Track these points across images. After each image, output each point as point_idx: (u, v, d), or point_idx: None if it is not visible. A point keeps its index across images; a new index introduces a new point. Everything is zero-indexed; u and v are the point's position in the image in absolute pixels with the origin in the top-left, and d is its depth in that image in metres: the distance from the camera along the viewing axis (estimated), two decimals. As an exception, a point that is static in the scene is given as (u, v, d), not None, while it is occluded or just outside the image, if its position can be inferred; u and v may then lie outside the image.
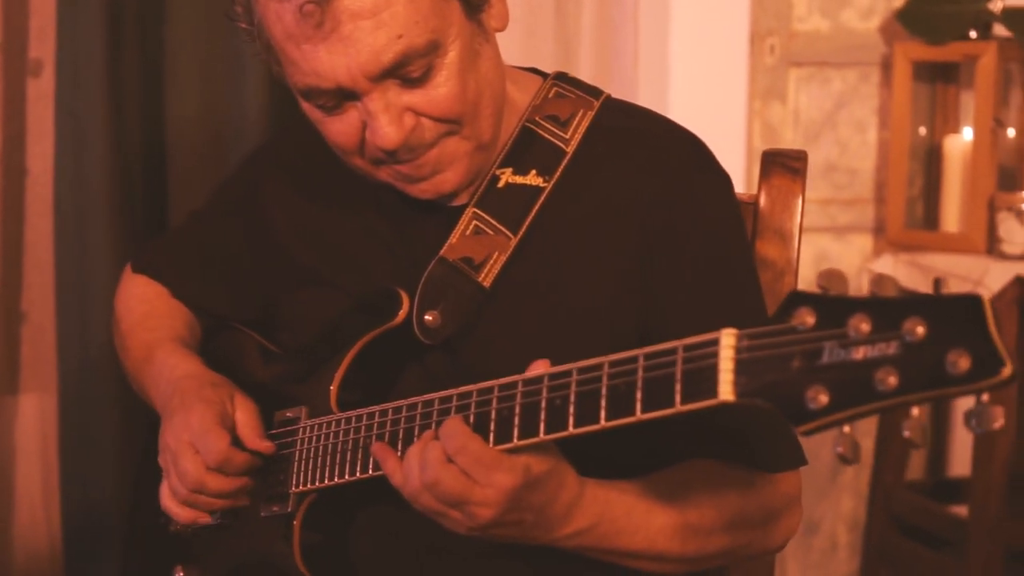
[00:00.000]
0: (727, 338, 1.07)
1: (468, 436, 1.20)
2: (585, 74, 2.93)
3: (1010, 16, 2.94)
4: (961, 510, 2.92)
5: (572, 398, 1.17)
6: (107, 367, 2.38)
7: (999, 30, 2.96)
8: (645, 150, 1.47)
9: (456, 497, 1.20)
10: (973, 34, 2.97)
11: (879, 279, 1.03)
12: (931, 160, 3.10)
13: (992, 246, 2.87)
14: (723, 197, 1.48)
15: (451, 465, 1.20)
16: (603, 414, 1.15)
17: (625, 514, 1.30)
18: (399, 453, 1.29)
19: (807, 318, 1.03)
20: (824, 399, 1.00)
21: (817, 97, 3.08)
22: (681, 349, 1.11)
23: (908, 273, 2.97)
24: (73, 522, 2.52)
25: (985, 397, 0.97)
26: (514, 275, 1.43)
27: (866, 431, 3.12)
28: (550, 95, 1.51)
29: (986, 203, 2.90)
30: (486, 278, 1.42)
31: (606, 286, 1.43)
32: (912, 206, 3.10)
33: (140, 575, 1.59)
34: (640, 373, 1.13)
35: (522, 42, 2.87)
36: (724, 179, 1.49)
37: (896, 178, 3.04)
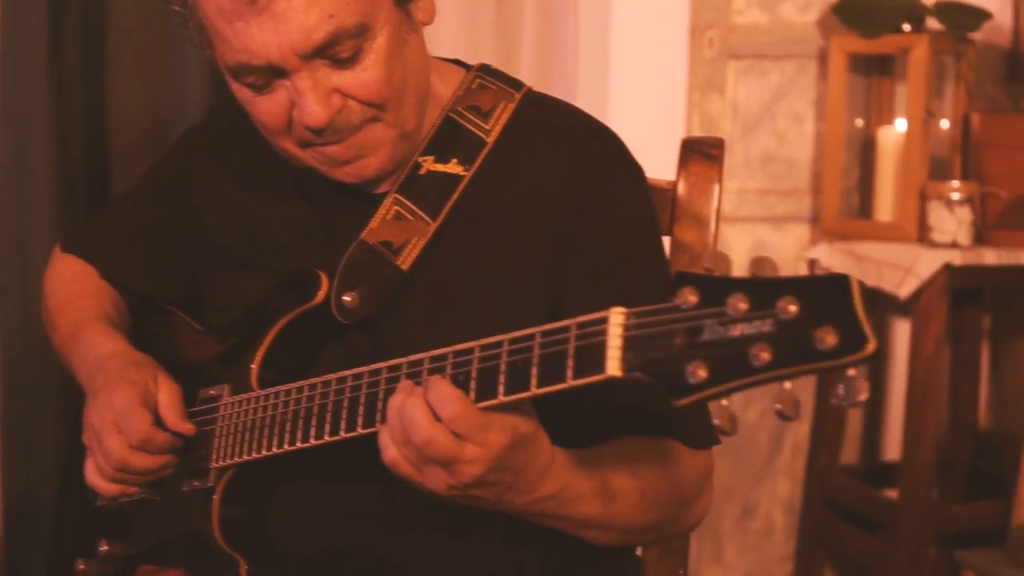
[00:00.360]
0: (616, 316, 1.12)
1: (462, 398, 1.21)
2: (526, 67, 2.98)
3: (942, 9, 3.00)
4: (893, 493, 2.98)
5: (473, 374, 1.22)
6: (49, 358, 2.40)
7: (932, 23, 3.02)
8: (563, 142, 1.52)
9: (447, 456, 1.21)
10: (907, 27, 3.03)
11: (758, 261, 1.08)
12: (867, 151, 3.15)
13: (923, 235, 2.93)
14: (635, 188, 1.53)
15: (441, 424, 1.21)
16: (501, 389, 1.20)
17: (587, 479, 1.34)
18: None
19: (690, 297, 1.08)
20: (703, 374, 1.05)
21: (755, 89, 3.13)
22: (574, 327, 1.16)
23: (843, 261, 3.02)
24: (14, 512, 2.54)
25: (852, 371, 1.02)
26: (433, 259, 1.48)
27: (802, 415, 3.18)
28: (473, 86, 1.55)
29: (918, 193, 2.96)
30: (404, 261, 1.47)
31: (521, 271, 1.48)
32: (848, 196, 3.16)
33: (67, 549, 1.63)
34: (536, 350, 1.18)
35: (463, 35, 2.91)
36: (637, 171, 1.55)
37: (831, 169, 3.10)
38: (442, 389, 1.22)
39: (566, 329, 1.16)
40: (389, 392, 1.27)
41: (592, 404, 1.38)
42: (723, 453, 3.11)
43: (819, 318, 1.01)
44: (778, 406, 1.05)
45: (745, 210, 3.13)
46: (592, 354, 1.13)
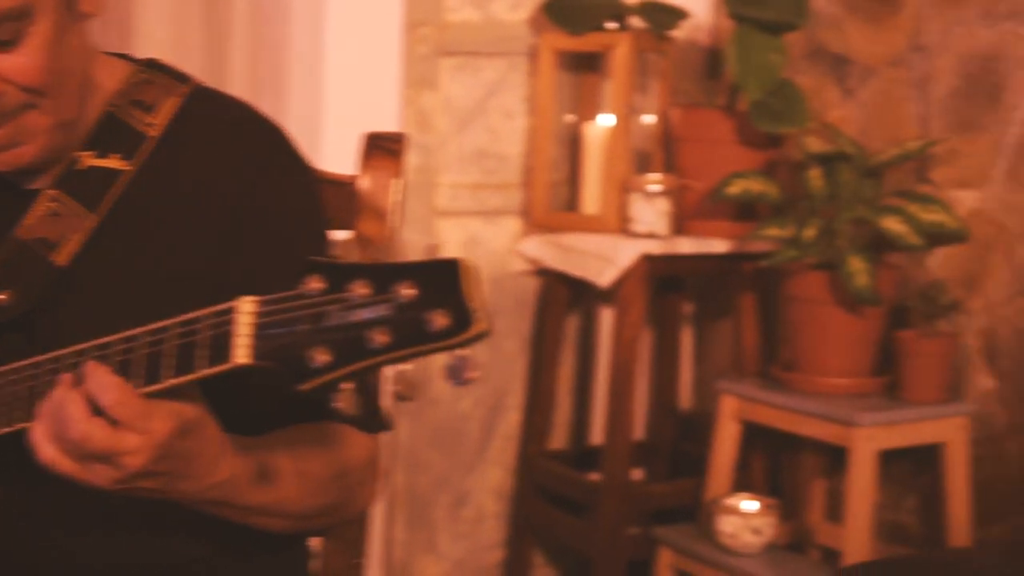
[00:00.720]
0: (245, 305, 1.14)
1: (121, 385, 1.20)
2: (237, 63, 2.96)
3: (645, 9, 3.12)
4: (597, 476, 3.08)
5: (114, 368, 1.22)
6: None
7: (637, 22, 3.13)
8: (227, 135, 1.53)
9: (106, 449, 1.20)
10: (613, 25, 3.14)
11: (385, 247, 1.12)
12: (576, 146, 3.25)
13: (625, 226, 3.04)
14: (297, 180, 1.56)
15: (98, 418, 1.19)
16: (139, 381, 1.20)
17: (251, 464, 1.34)
18: None
19: (317, 284, 1.11)
20: (325, 358, 1.08)
21: (468, 86, 3.19)
22: (209, 316, 1.17)
23: (552, 253, 3.12)
24: None
25: (465, 352, 1.07)
26: (94, 255, 1.47)
27: (513, 405, 3.26)
28: (138, 81, 1.55)
29: (621, 186, 3.07)
30: (62, 257, 1.45)
31: (188, 265, 1.48)
32: (557, 189, 3.25)
33: None
34: (174, 340, 1.19)
35: (170, 31, 2.86)
36: (299, 162, 1.57)
37: (540, 163, 3.18)
38: (101, 377, 1.20)
39: (200, 319, 1.18)
40: (42, 386, 1.26)
41: (262, 392, 1.40)
42: (436, 444, 3.17)
43: (432, 301, 1.05)
44: (397, 387, 1.09)
45: (459, 204, 3.19)
46: (222, 343, 1.15)
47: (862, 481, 2.65)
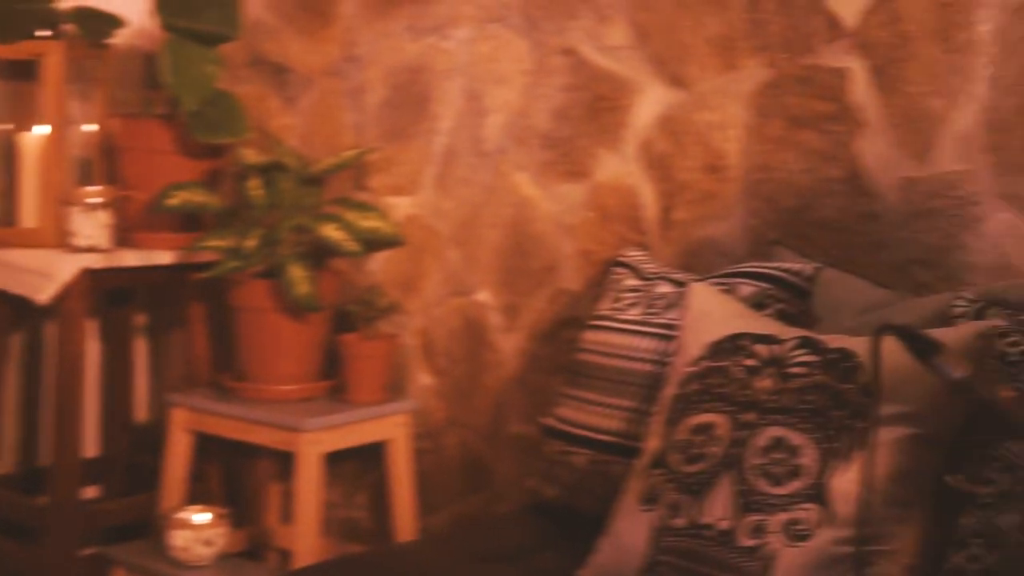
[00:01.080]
0: None
1: None
2: None
3: (78, 15, 3.04)
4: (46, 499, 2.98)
5: None
6: None
7: (71, 28, 3.04)
8: None
9: None
10: (48, 32, 3.03)
11: None
12: (12, 156, 3.12)
13: (66, 240, 2.95)
14: None
15: None
16: None
17: None
18: None
19: None
20: None
21: None
22: None
23: (-11, 270, 2.98)
24: None
25: None
26: None
27: (-46, 432, 3.11)
28: None
29: (59, 198, 2.98)
30: None
31: None
32: (-7, 203, 3.12)
33: None
34: None
35: None
36: None
37: (-27, 176, 3.04)
38: None
39: None
40: None
41: None
42: None
43: None
44: None
45: None
46: None
47: (309, 484, 2.72)
